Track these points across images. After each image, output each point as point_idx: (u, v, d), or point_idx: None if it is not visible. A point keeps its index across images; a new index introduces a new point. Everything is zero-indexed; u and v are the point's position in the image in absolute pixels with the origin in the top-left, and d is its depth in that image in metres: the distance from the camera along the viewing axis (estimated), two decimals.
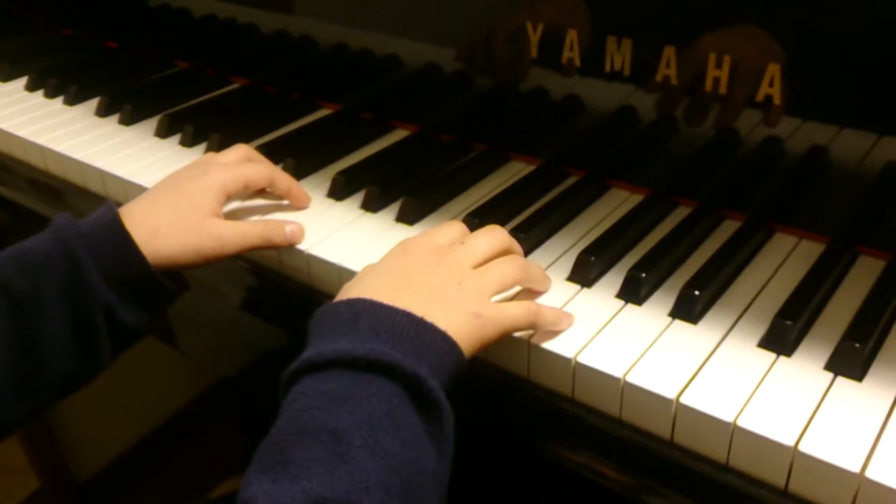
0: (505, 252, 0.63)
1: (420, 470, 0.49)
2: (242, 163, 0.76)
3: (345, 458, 0.46)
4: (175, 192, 0.71)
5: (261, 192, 0.81)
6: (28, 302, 0.62)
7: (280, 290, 0.78)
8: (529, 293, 0.65)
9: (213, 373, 1.86)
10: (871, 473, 0.49)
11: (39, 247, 0.64)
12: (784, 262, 0.69)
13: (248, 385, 1.47)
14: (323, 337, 0.53)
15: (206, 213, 0.70)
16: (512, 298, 0.65)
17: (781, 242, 0.71)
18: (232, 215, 0.78)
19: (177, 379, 1.83)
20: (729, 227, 0.73)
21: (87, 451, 1.69)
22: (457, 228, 0.65)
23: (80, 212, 0.89)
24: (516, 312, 0.58)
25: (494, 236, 0.63)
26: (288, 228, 0.73)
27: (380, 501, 0.45)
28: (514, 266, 0.61)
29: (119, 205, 0.69)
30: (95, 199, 0.91)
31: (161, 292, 0.67)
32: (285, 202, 0.80)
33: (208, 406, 1.89)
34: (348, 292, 0.58)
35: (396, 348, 0.51)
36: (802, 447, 0.50)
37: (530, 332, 0.61)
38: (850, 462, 0.49)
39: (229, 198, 0.73)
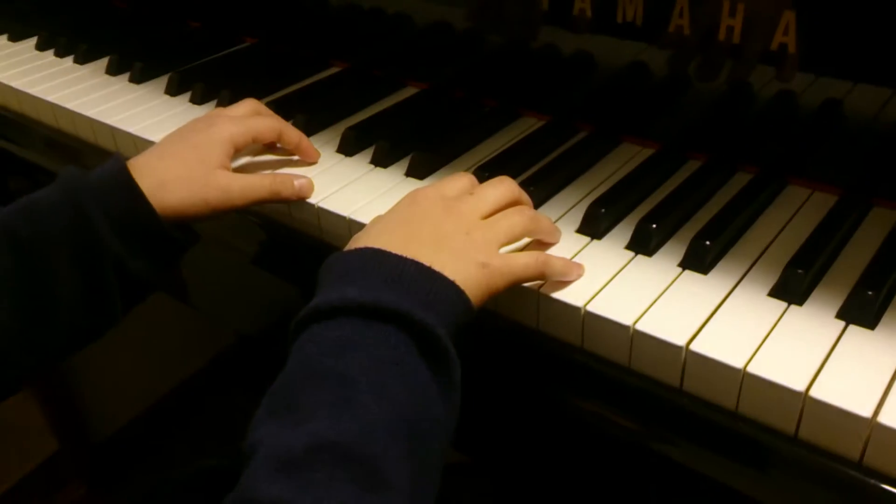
0: (514, 203, 0.63)
1: (427, 417, 0.49)
2: (251, 116, 0.76)
3: (351, 402, 0.46)
4: (183, 144, 0.71)
5: (271, 148, 0.81)
6: (35, 253, 0.63)
7: (291, 245, 0.78)
8: (539, 245, 0.65)
9: (230, 333, 1.87)
10: (882, 419, 0.48)
11: (46, 198, 0.64)
12: (796, 213, 0.68)
13: (264, 345, 1.47)
14: (331, 286, 0.53)
15: (214, 164, 0.70)
16: (521, 250, 0.64)
17: (794, 194, 0.71)
18: (242, 170, 0.78)
19: (194, 341, 1.84)
20: (741, 180, 0.73)
21: (104, 412, 1.71)
22: (466, 180, 0.64)
23: None
24: (525, 262, 0.58)
25: (503, 187, 0.63)
26: (297, 182, 0.73)
27: (385, 445, 0.45)
28: (522, 217, 0.61)
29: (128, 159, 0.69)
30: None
31: (170, 243, 0.68)
32: (295, 158, 0.80)
33: (225, 367, 1.90)
34: (357, 242, 0.58)
35: (405, 297, 0.51)
36: (813, 393, 0.50)
37: (540, 282, 0.61)
38: (861, 407, 0.49)
39: (237, 150, 0.73)
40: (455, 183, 0.64)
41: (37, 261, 0.63)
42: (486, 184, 0.64)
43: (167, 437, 1.79)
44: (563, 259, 0.61)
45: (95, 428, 1.71)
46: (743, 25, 0.69)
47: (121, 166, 0.66)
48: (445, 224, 0.58)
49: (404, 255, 0.54)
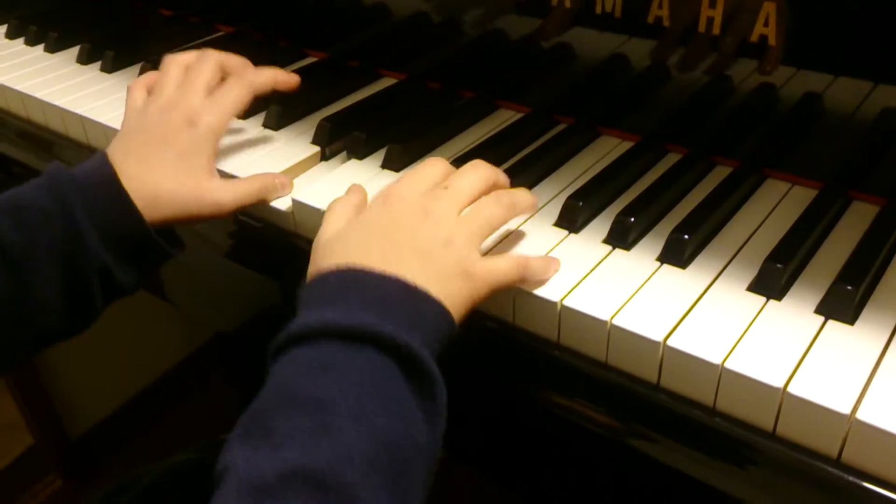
0: (491, 187, 0.61)
1: (409, 442, 0.47)
2: (221, 93, 0.72)
3: (329, 428, 0.44)
4: (166, 150, 0.68)
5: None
6: (23, 259, 0.61)
7: (265, 238, 0.76)
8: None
9: (208, 329, 1.86)
10: (861, 415, 0.48)
11: (35, 202, 0.62)
12: (776, 207, 0.68)
13: (242, 341, 1.46)
14: (312, 308, 0.51)
15: (205, 174, 0.68)
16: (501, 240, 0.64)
17: (774, 188, 0.70)
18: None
19: (172, 335, 1.83)
20: (720, 173, 0.72)
21: (80, 407, 1.70)
22: (439, 168, 0.62)
23: (69, 163, 0.88)
24: (505, 268, 0.57)
25: (478, 174, 0.61)
26: (279, 183, 0.73)
27: (363, 472, 0.43)
28: (499, 206, 0.60)
29: None
30: (83, 151, 0.89)
31: (158, 253, 0.67)
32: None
33: (203, 363, 1.89)
34: (333, 253, 0.56)
35: (387, 318, 0.49)
36: (791, 389, 0.49)
37: None
38: (840, 404, 0.48)
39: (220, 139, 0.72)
40: (428, 172, 0.61)
41: (23, 268, 0.61)
42: (460, 172, 0.62)
43: (144, 433, 1.78)
44: (541, 259, 0.60)
45: (72, 423, 1.69)
46: (723, 16, 0.68)
47: (111, 175, 0.64)
48: (423, 231, 0.56)
49: (385, 270, 0.52)
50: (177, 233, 0.71)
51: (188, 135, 0.69)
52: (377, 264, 0.53)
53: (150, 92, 0.74)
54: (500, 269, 0.57)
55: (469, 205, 0.59)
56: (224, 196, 0.69)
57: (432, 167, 0.62)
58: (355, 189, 0.65)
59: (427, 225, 0.57)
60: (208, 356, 1.90)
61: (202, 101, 0.71)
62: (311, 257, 0.58)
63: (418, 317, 0.51)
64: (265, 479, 0.42)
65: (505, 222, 0.61)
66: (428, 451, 0.48)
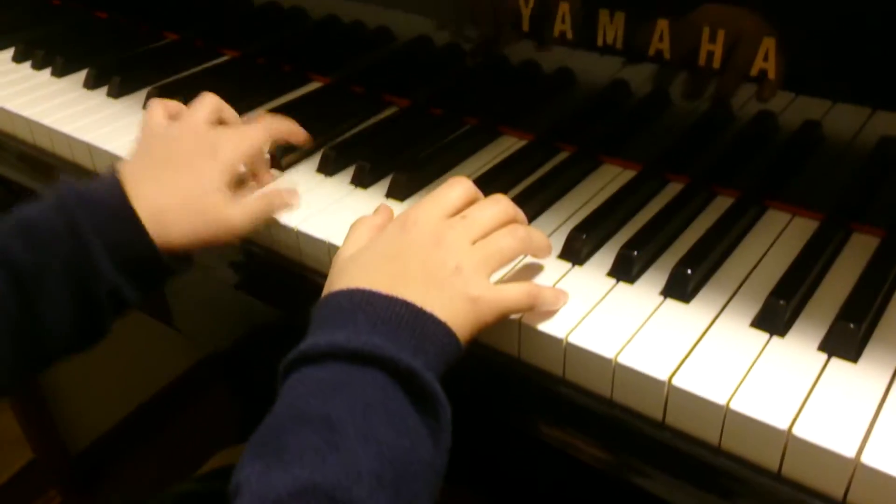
0: (508, 223, 0.61)
1: (415, 460, 0.48)
2: (247, 133, 0.73)
3: (338, 446, 0.46)
4: (181, 171, 0.68)
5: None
6: (32, 280, 0.61)
7: (272, 267, 0.77)
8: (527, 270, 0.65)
9: (207, 346, 1.86)
10: (866, 458, 0.48)
11: (45, 222, 0.62)
12: (777, 239, 0.68)
13: (240, 356, 1.46)
14: (322, 328, 0.53)
15: (217, 199, 0.68)
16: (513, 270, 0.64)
17: (774, 219, 0.71)
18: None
19: (170, 350, 1.82)
20: (721, 204, 0.72)
21: (80, 422, 1.70)
22: (461, 190, 0.62)
23: None
24: (515, 296, 0.58)
25: (498, 207, 0.61)
26: (285, 195, 0.73)
27: (371, 489, 0.45)
28: (514, 238, 0.60)
29: None
30: (86, 175, 0.89)
31: (166, 272, 0.67)
32: None
33: (202, 377, 1.89)
34: (346, 271, 0.57)
35: (393, 341, 0.51)
36: (796, 431, 0.50)
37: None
38: (844, 447, 0.49)
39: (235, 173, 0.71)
40: (450, 195, 0.61)
41: (33, 288, 0.61)
42: (479, 204, 0.62)
43: (143, 448, 1.78)
44: (552, 290, 0.61)
45: (72, 438, 1.69)
46: (723, 51, 0.68)
47: (121, 197, 0.64)
48: (434, 257, 0.57)
49: (393, 293, 0.54)
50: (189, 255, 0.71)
51: (207, 164, 0.69)
52: (385, 287, 0.54)
53: (170, 117, 0.74)
54: (508, 296, 0.58)
55: (484, 236, 0.60)
56: (236, 219, 0.68)
57: (455, 189, 0.62)
58: (382, 210, 0.67)
59: (437, 252, 0.57)
60: (208, 370, 1.90)
61: (227, 135, 0.72)
62: (329, 273, 0.60)
63: (424, 338, 0.52)
64: (278, 496, 0.44)
65: (517, 255, 0.62)
66: (432, 467, 0.50)
